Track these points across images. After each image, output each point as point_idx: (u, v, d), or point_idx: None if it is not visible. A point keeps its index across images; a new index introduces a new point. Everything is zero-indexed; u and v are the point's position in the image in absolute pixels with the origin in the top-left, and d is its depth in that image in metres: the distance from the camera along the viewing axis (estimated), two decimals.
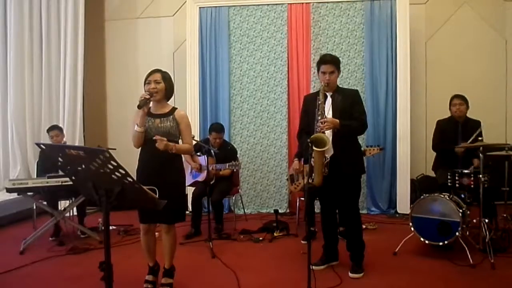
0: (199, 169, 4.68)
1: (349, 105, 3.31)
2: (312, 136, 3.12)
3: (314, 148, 3.07)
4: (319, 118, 3.21)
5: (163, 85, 2.96)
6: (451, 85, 5.61)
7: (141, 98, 2.85)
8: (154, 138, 2.85)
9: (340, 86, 3.52)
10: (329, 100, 3.33)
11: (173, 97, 3.16)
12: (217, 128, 4.83)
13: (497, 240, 3.78)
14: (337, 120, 3.19)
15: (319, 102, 3.24)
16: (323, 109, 3.23)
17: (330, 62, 3.31)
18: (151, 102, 2.99)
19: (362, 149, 3.95)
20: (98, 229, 4.64)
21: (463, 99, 4.38)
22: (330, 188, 3.31)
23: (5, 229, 4.97)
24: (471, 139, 4.05)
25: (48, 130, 4.77)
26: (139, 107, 2.85)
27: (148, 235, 3.04)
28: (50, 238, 4.40)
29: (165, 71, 3.07)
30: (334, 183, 3.27)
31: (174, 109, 3.04)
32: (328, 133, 3.21)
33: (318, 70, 3.39)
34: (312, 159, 3.18)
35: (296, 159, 4.76)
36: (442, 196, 3.65)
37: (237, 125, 5.81)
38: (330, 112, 3.29)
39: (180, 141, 3.08)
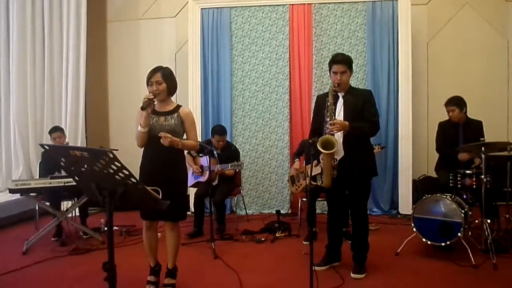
0: (201, 172, 4.68)
1: (361, 106, 3.24)
2: (320, 138, 3.11)
3: (321, 150, 3.06)
4: (328, 119, 3.18)
5: (165, 86, 2.96)
6: (452, 86, 5.61)
7: (144, 99, 2.85)
8: (159, 135, 2.86)
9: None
10: (340, 101, 3.29)
11: (175, 97, 3.17)
12: (220, 131, 4.81)
13: (499, 241, 3.77)
14: (346, 122, 3.15)
15: (328, 103, 3.20)
16: (332, 110, 3.19)
17: (341, 62, 3.24)
18: (156, 101, 3.01)
19: None
20: (100, 229, 4.66)
21: (454, 104, 4.29)
22: (339, 189, 3.29)
23: (7, 229, 4.99)
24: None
25: (50, 132, 4.77)
26: (142, 108, 2.85)
27: (150, 231, 3.05)
28: (53, 239, 4.40)
29: (166, 67, 3.05)
30: (344, 185, 3.26)
31: (178, 106, 3.04)
32: (339, 135, 3.18)
33: (329, 70, 3.31)
34: (321, 160, 3.17)
35: (297, 159, 4.76)
36: (444, 196, 3.65)
37: (239, 126, 5.82)
38: (342, 113, 3.24)
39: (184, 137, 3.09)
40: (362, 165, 3.25)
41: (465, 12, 5.86)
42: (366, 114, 3.25)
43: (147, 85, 2.99)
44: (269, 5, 5.71)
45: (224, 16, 5.77)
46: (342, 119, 3.22)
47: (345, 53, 5.40)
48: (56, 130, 4.76)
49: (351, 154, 3.20)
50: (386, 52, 5.50)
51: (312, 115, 3.54)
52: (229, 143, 5.09)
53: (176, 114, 2.98)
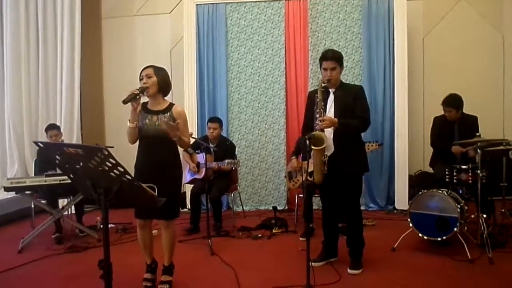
0: (197, 170, 4.67)
1: (352, 102, 3.25)
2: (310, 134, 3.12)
3: (311, 146, 3.07)
4: (318, 116, 3.19)
5: (155, 79, 2.92)
6: (448, 81, 5.63)
7: (129, 93, 2.82)
8: (160, 118, 2.85)
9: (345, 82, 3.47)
10: (331, 97, 3.30)
11: (170, 94, 3.15)
12: (212, 118, 4.91)
13: (495, 235, 3.80)
14: (336, 119, 3.16)
15: (317, 100, 3.22)
16: (321, 107, 3.20)
17: (331, 58, 3.25)
18: (148, 98, 2.99)
19: None
20: (96, 227, 4.64)
21: (451, 105, 4.24)
22: (331, 185, 3.30)
23: (3, 228, 4.96)
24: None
25: (47, 130, 4.72)
26: (124, 102, 2.80)
27: (144, 230, 3.04)
28: (53, 235, 4.34)
29: (161, 67, 3.04)
30: (335, 181, 3.26)
31: (171, 105, 3.02)
32: (329, 131, 3.19)
33: (320, 66, 3.33)
34: (312, 157, 3.18)
35: (294, 157, 4.77)
36: (440, 192, 3.66)
37: (235, 122, 5.80)
38: (332, 109, 3.25)
39: None
40: (353, 160, 3.26)
41: (461, 7, 5.86)
42: (356, 110, 3.26)
43: (140, 81, 2.97)
44: (265, 1, 5.70)
45: (219, 12, 5.74)
46: (333, 115, 3.23)
47: (341, 48, 5.48)
48: (53, 128, 4.71)
49: (342, 150, 3.22)
50: (382, 48, 5.49)
51: (305, 111, 3.54)
52: (225, 138, 5.08)
53: (168, 113, 2.96)
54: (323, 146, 3.10)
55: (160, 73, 2.97)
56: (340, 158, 3.21)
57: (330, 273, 3.25)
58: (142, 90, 2.88)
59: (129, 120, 2.91)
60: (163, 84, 2.98)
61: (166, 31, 6.34)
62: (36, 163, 4.81)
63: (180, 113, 3.01)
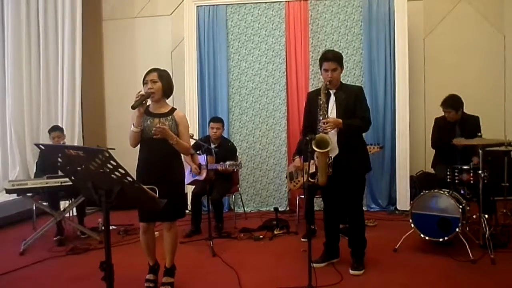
0: (199, 171, 4.67)
1: (353, 103, 3.25)
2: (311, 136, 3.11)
3: (316, 149, 3.06)
4: (321, 118, 3.18)
5: (160, 85, 2.95)
6: (449, 81, 5.63)
7: (136, 98, 2.85)
8: (155, 128, 2.84)
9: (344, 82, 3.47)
10: (332, 98, 3.29)
11: (172, 97, 3.16)
12: (215, 118, 4.92)
13: (497, 236, 3.79)
14: (340, 120, 3.16)
15: (321, 102, 3.20)
16: (324, 109, 3.19)
17: (332, 59, 3.24)
18: (150, 102, 3.00)
19: None
20: (98, 229, 4.64)
21: (450, 106, 4.22)
22: (334, 186, 3.29)
23: (5, 230, 4.97)
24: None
25: (50, 131, 4.75)
26: (133, 107, 2.84)
27: (147, 234, 3.05)
28: (54, 238, 4.34)
29: (163, 69, 3.06)
30: (339, 181, 3.25)
31: (173, 109, 3.05)
32: (333, 132, 3.18)
33: (320, 67, 3.32)
34: (316, 159, 3.17)
35: (297, 156, 4.75)
36: (442, 192, 3.65)
37: (236, 123, 5.80)
38: (334, 111, 3.25)
39: None
40: (357, 160, 3.27)
41: (461, 7, 5.86)
42: (357, 111, 3.26)
43: (143, 84, 2.99)
44: (265, 2, 5.70)
45: (220, 14, 5.74)
46: (335, 116, 3.22)
47: (342, 49, 5.48)
48: (56, 130, 4.74)
49: (345, 151, 3.22)
50: (382, 48, 5.49)
51: (304, 112, 3.53)
52: (226, 139, 5.08)
53: (170, 117, 2.99)
54: (329, 148, 3.09)
55: (164, 76, 3.00)
56: (345, 158, 3.21)
57: (332, 274, 3.25)
58: (148, 96, 2.91)
59: (133, 124, 2.92)
60: (167, 88, 3.01)
61: (166, 33, 6.35)
62: (37, 165, 4.82)
63: (181, 117, 3.04)
